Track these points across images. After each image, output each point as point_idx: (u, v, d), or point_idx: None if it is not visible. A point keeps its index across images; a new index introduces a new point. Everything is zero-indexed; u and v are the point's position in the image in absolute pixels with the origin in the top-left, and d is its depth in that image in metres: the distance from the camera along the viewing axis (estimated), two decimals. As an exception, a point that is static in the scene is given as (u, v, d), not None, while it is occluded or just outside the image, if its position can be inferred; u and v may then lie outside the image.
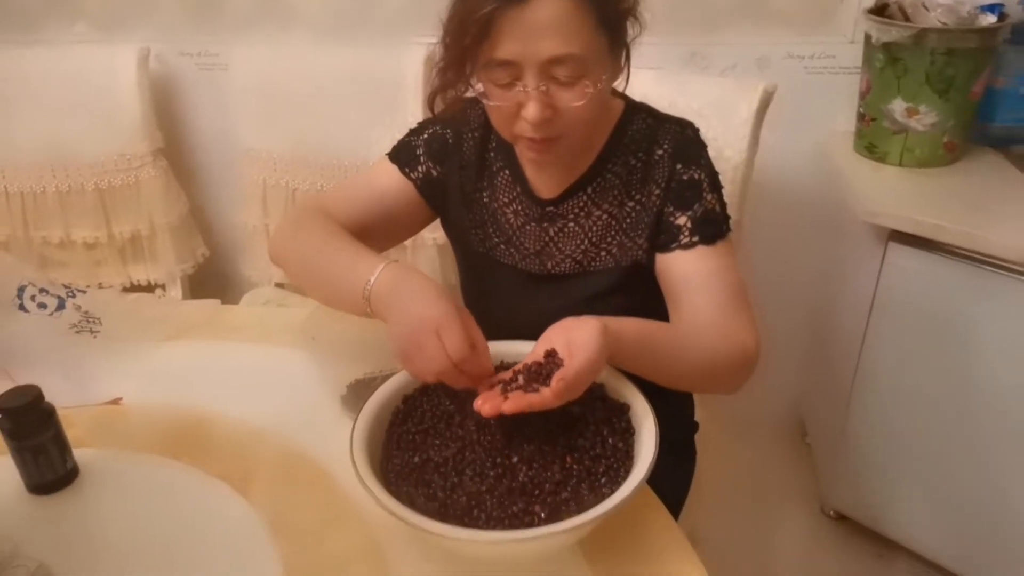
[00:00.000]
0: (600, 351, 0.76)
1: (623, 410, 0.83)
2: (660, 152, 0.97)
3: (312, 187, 1.75)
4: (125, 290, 1.88)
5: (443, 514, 0.73)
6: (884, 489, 1.62)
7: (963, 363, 1.40)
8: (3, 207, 1.82)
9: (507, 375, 0.81)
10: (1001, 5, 1.45)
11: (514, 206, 1.04)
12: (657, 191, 0.97)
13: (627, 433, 0.81)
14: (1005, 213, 1.36)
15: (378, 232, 1.05)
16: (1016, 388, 1.34)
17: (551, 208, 1.02)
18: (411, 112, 1.64)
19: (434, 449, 0.81)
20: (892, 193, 1.46)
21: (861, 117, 1.60)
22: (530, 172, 1.03)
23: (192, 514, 0.85)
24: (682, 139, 0.98)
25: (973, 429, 1.42)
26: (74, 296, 1.15)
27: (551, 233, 1.02)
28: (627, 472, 0.76)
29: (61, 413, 0.87)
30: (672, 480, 1.13)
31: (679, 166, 0.97)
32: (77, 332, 1.12)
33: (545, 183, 1.02)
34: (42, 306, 1.12)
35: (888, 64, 1.48)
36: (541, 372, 0.78)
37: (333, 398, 0.99)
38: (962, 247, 1.32)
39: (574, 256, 1.02)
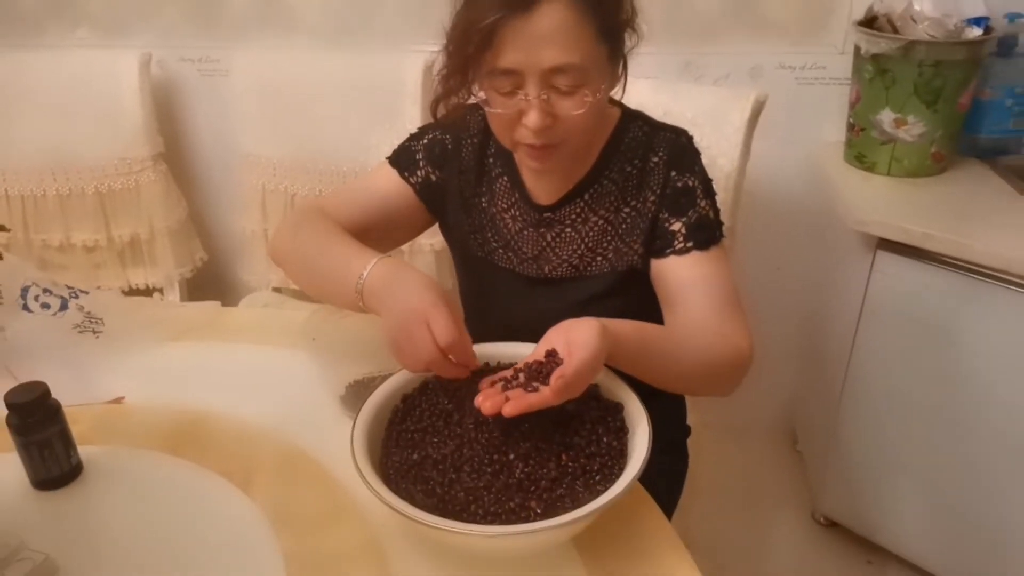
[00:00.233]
0: (599, 350, 0.78)
1: (617, 409, 0.85)
2: (655, 159, 1.00)
3: (311, 192, 1.77)
4: (124, 294, 1.89)
5: (441, 509, 0.75)
6: (874, 496, 1.63)
7: (951, 369, 1.42)
8: (3, 210, 1.84)
9: (508, 373, 0.83)
10: (987, 18, 1.48)
11: (512, 211, 1.06)
12: (652, 197, 1.00)
13: (621, 432, 0.83)
14: (991, 222, 1.39)
15: (376, 235, 1.07)
16: (1004, 394, 1.36)
17: (548, 214, 1.04)
18: (410, 119, 1.66)
19: (432, 446, 0.82)
20: (881, 202, 1.49)
21: (851, 127, 1.63)
22: (528, 179, 1.05)
23: (194, 510, 0.87)
24: (677, 147, 1.01)
25: (963, 435, 1.44)
26: (77, 297, 1.17)
27: (548, 238, 1.05)
28: (621, 470, 0.78)
29: (65, 411, 0.89)
30: (665, 481, 1.15)
31: (674, 173, 0.99)
32: (80, 332, 1.13)
33: (543, 189, 1.04)
34: (45, 306, 1.13)
35: (877, 75, 1.51)
36: (541, 371, 0.80)
37: (332, 398, 1.00)
38: (949, 255, 1.34)
39: (571, 261, 1.04)
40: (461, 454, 0.81)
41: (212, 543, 0.82)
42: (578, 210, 1.03)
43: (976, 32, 1.47)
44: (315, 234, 1.01)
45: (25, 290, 1.13)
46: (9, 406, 0.85)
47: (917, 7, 1.48)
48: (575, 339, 0.79)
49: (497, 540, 0.71)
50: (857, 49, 1.55)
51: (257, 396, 1.03)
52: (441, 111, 0.97)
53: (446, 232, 1.16)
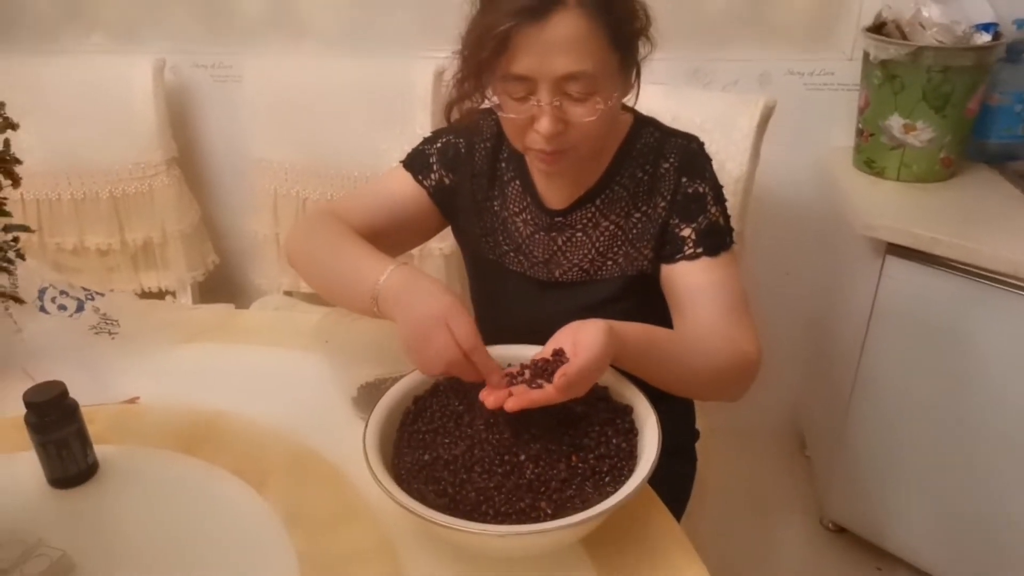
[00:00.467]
0: (604, 350, 0.79)
1: (626, 411, 0.86)
2: (666, 165, 1.01)
3: (322, 196, 1.79)
4: (137, 297, 1.91)
5: (452, 509, 0.75)
6: (883, 501, 1.63)
7: (961, 374, 1.42)
8: (19, 213, 1.86)
9: (514, 369, 0.84)
10: (996, 24, 1.49)
11: (524, 215, 1.07)
12: (663, 203, 1.00)
13: (630, 434, 0.84)
14: (999, 227, 1.39)
15: (390, 238, 1.08)
16: (1013, 398, 1.36)
17: (560, 218, 1.05)
18: (420, 124, 1.67)
19: (444, 447, 0.83)
20: (890, 207, 1.49)
21: (859, 132, 1.63)
22: (540, 183, 1.06)
23: (207, 509, 0.88)
24: (688, 153, 1.01)
25: (972, 440, 1.44)
26: (93, 299, 1.18)
27: (559, 242, 1.06)
28: (630, 471, 0.78)
29: (81, 410, 0.90)
30: (673, 484, 1.16)
31: (684, 179, 1.00)
32: (96, 333, 1.15)
33: (554, 194, 1.05)
34: (62, 308, 1.15)
35: (886, 81, 1.52)
36: (547, 369, 0.81)
37: (345, 399, 1.01)
38: (957, 260, 1.35)
39: (581, 265, 1.05)
40: (472, 455, 0.81)
41: (225, 542, 0.83)
42: (589, 215, 1.04)
43: (985, 38, 1.47)
44: (329, 238, 1.02)
45: (42, 292, 1.14)
46: (28, 405, 0.87)
47: (926, 13, 1.49)
48: (581, 339, 0.80)
49: (508, 540, 0.72)
50: (866, 55, 1.55)
51: (270, 397, 1.04)
52: (455, 115, 0.98)
53: (458, 235, 1.17)
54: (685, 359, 0.91)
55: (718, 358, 0.92)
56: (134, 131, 1.83)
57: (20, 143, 0.93)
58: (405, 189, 1.10)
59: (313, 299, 1.82)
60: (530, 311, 1.08)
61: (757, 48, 1.71)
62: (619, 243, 1.03)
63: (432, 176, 1.10)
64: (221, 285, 2.10)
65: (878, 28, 1.55)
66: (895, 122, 1.53)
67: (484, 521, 0.75)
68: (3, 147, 0.91)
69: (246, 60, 1.82)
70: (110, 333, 1.16)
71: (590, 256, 1.04)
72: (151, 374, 1.11)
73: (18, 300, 1.08)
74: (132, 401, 1.06)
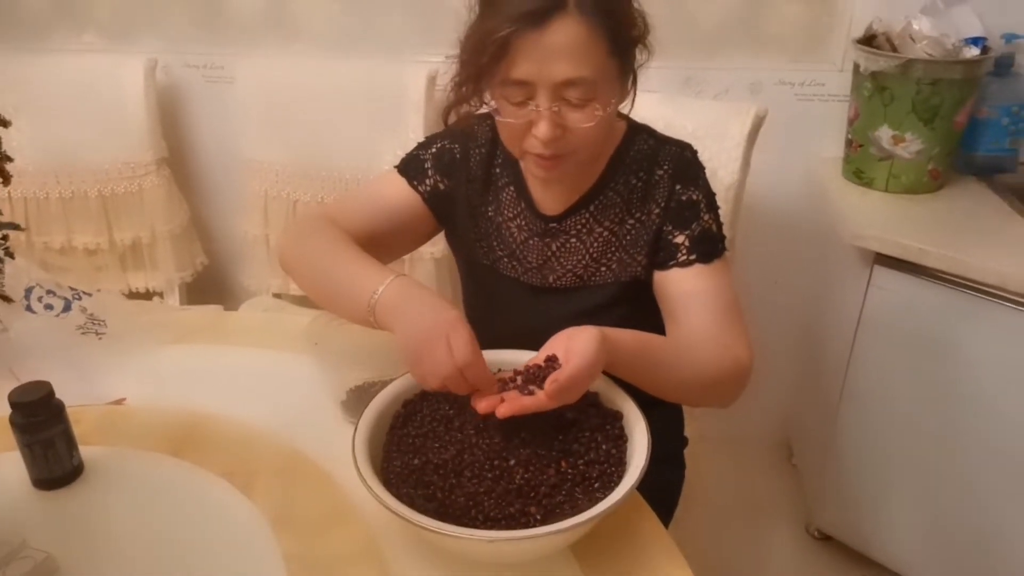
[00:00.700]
0: (596, 356, 0.79)
1: (616, 417, 0.86)
2: (660, 173, 1.01)
3: (313, 199, 1.78)
4: (124, 297, 1.90)
5: (442, 514, 0.75)
6: (869, 510, 1.64)
7: (948, 384, 1.43)
8: (7, 211, 1.84)
9: (507, 375, 0.84)
10: (984, 38, 1.50)
11: (518, 221, 1.07)
12: (657, 210, 1.01)
13: (620, 440, 0.84)
14: (987, 239, 1.41)
15: (384, 243, 1.08)
16: (1001, 409, 1.37)
17: (554, 224, 1.05)
18: (412, 128, 1.67)
19: (433, 452, 0.83)
20: (878, 218, 1.50)
21: (849, 143, 1.64)
22: (534, 188, 1.06)
23: (195, 512, 0.87)
24: (681, 160, 1.02)
25: (958, 450, 1.45)
26: (80, 298, 1.17)
27: (553, 248, 1.06)
28: (619, 477, 0.79)
29: (67, 410, 0.89)
30: (662, 490, 1.16)
31: (678, 187, 1.00)
32: (83, 333, 1.14)
33: (549, 200, 1.05)
34: (49, 307, 1.14)
35: (875, 92, 1.53)
36: (539, 375, 0.81)
37: (334, 402, 1.01)
38: (945, 271, 1.36)
39: (575, 271, 1.05)
40: (462, 459, 0.81)
41: (212, 545, 0.83)
42: (583, 221, 1.04)
43: (973, 52, 1.49)
44: (325, 245, 1.01)
45: (29, 291, 1.13)
46: (13, 405, 0.86)
47: (916, 26, 1.50)
48: (574, 346, 0.80)
49: (497, 545, 0.72)
50: (856, 66, 1.57)
51: (258, 399, 1.04)
52: (452, 119, 0.98)
53: (452, 240, 1.17)
54: (678, 365, 0.91)
55: (711, 364, 0.92)
56: (124, 130, 1.82)
57: (9, 141, 0.93)
58: (400, 194, 1.10)
59: (302, 301, 1.82)
60: (523, 317, 1.08)
61: (749, 57, 1.72)
62: (613, 249, 1.03)
63: (427, 181, 1.10)
64: (209, 286, 2.08)
65: (868, 40, 1.57)
66: (884, 133, 1.55)
67: (473, 526, 0.75)
68: (-6, 145, 0.90)
69: (238, 61, 1.81)
70: (97, 333, 1.15)
71: (584, 262, 1.04)
72: (138, 375, 1.10)
73: (5, 299, 1.07)
74: (119, 402, 1.05)
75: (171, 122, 1.97)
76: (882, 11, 1.58)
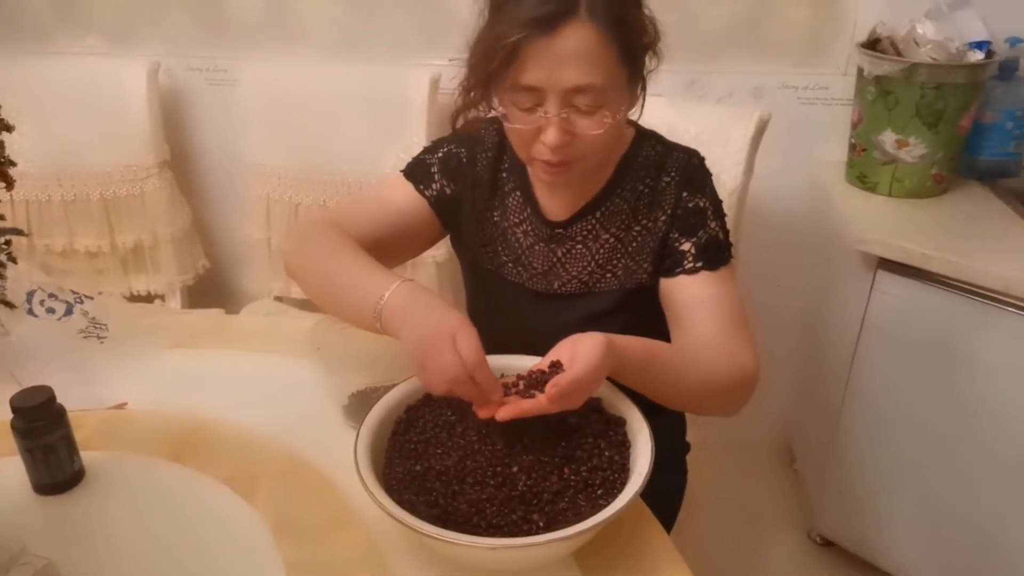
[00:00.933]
0: (600, 362, 0.79)
1: (620, 423, 0.86)
2: (667, 179, 1.01)
3: (315, 202, 1.78)
4: (125, 300, 1.90)
5: (444, 520, 0.75)
6: (871, 515, 1.63)
7: (950, 389, 1.43)
8: (8, 214, 1.84)
9: (509, 380, 0.84)
10: (989, 43, 1.50)
11: (524, 226, 1.07)
12: (663, 217, 1.00)
13: (623, 446, 0.83)
14: (990, 244, 1.40)
15: (390, 247, 1.07)
16: (1004, 414, 1.36)
17: (560, 230, 1.05)
18: (415, 131, 1.67)
19: (436, 458, 0.83)
20: (881, 222, 1.50)
21: (852, 147, 1.64)
22: (541, 194, 1.06)
23: (196, 517, 0.87)
24: (689, 167, 1.02)
25: (961, 455, 1.45)
26: (82, 302, 1.17)
27: (559, 254, 1.05)
28: (623, 484, 0.78)
29: (68, 415, 0.89)
30: (664, 496, 1.15)
31: (685, 194, 1.00)
32: (84, 337, 1.14)
33: (555, 205, 1.05)
34: (51, 311, 1.14)
35: (879, 97, 1.53)
36: (542, 380, 0.80)
37: (336, 407, 1.01)
38: (948, 275, 1.35)
39: (580, 277, 1.05)
40: (464, 466, 0.81)
41: (213, 551, 0.82)
42: (589, 227, 1.03)
43: (978, 56, 1.48)
44: (330, 249, 1.00)
45: (31, 295, 1.13)
46: (15, 410, 0.86)
47: (920, 30, 1.50)
48: (578, 351, 0.80)
49: (499, 552, 0.72)
50: (860, 70, 1.56)
51: (260, 404, 1.03)
52: (459, 123, 0.98)
53: (457, 245, 1.16)
54: (684, 373, 0.91)
55: (717, 372, 0.92)
56: (127, 133, 1.82)
57: (11, 144, 0.92)
58: (406, 199, 1.09)
59: (304, 304, 1.81)
60: (528, 322, 1.08)
61: (752, 62, 1.71)
62: (619, 256, 1.03)
63: (433, 186, 1.09)
64: (211, 289, 2.08)
65: (872, 44, 1.56)
66: (888, 137, 1.54)
67: (476, 533, 0.74)
68: (-3, 149, 0.90)
69: (241, 64, 1.82)
70: (99, 337, 1.15)
71: (589, 268, 1.04)
72: (140, 379, 1.10)
73: (7, 304, 1.06)
74: (120, 407, 1.05)
75: (173, 125, 1.97)
76: (886, 15, 1.57)
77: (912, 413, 1.49)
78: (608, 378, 0.83)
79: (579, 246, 1.04)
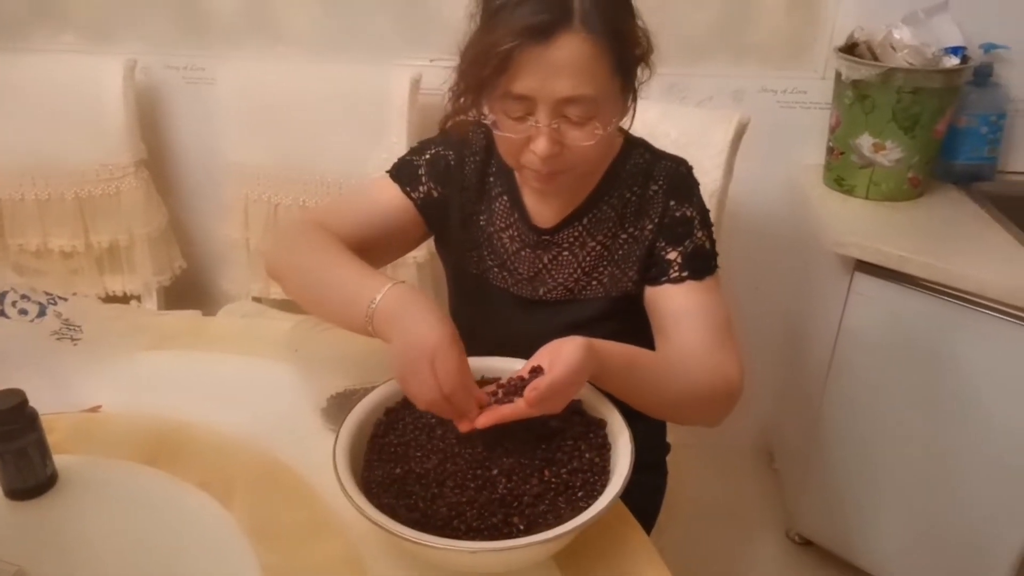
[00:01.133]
0: (580, 365, 0.78)
1: (600, 426, 0.86)
2: (655, 188, 1.00)
3: (295, 203, 1.77)
4: (101, 301, 1.87)
5: (424, 524, 0.74)
6: (850, 515, 1.65)
7: (928, 390, 1.45)
8: (-20, 214, 1.82)
9: (490, 388, 0.83)
10: (964, 48, 1.52)
11: (510, 232, 1.06)
12: (650, 226, 1.00)
13: (603, 448, 0.83)
14: (966, 247, 1.42)
15: (374, 248, 1.05)
16: (980, 414, 1.38)
17: (547, 236, 1.04)
18: (396, 131, 1.66)
19: (415, 461, 0.83)
20: (859, 225, 1.51)
21: (830, 151, 1.66)
22: (529, 200, 1.05)
23: (171, 522, 0.86)
24: (676, 176, 1.01)
25: (939, 455, 1.46)
26: (55, 303, 1.15)
27: (545, 260, 1.05)
28: (603, 486, 0.78)
29: (41, 419, 0.87)
30: (644, 497, 1.15)
31: (673, 202, 1.00)
32: (58, 339, 1.12)
33: (543, 212, 1.04)
34: (23, 312, 1.12)
35: (857, 101, 1.54)
36: (522, 387, 0.80)
37: (314, 410, 1.00)
38: (924, 278, 1.37)
39: (566, 284, 1.04)
40: (444, 469, 0.81)
41: (189, 556, 0.81)
42: (576, 234, 1.03)
43: (953, 61, 1.51)
44: (318, 252, 0.98)
45: (3, 296, 1.11)
46: (-15, 413, 0.84)
47: (896, 35, 1.52)
48: (558, 355, 0.79)
49: (479, 556, 0.71)
50: (838, 75, 1.58)
51: (237, 407, 1.02)
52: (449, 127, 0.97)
53: (441, 248, 1.15)
54: (667, 381, 0.90)
55: (700, 382, 0.91)
56: (102, 132, 1.79)
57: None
58: (392, 200, 1.08)
59: (282, 305, 1.80)
60: (512, 328, 1.07)
61: (732, 65, 1.73)
62: (604, 263, 1.02)
63: (420, 188, 1.08)
64: (188, 290, 2.06)
65: (850, 48, 1.58)
66: (865, 141, 1.56)
67: (456, 537, 0.74)
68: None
69: (220, 63, 1.79)
70: (72, 339, 1.13)
71: (575, 275, 1.03)
72: (114, 382, 1.08)
73: (-22, 306, 1.05)
74: (94, 410, 1.03)
75: (150, 124, 1.94)
76: (864, 20, 1.59)
77: (890, 413, 1.51)
78: (592, 384, 0.83)
79: (565, 253, 1.04)
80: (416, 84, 1.65)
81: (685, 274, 0.98)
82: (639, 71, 0.93)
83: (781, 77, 1.72)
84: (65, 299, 1.18)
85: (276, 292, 1.80)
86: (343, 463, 0.78)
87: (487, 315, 1.10)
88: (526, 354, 0.85)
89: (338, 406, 0.97)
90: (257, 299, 1.86)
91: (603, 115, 0.88)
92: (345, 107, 1.70)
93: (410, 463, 0.82)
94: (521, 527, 0.75)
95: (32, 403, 0.87)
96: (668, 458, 1.26)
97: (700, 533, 1.81)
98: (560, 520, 0.73)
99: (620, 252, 1.02)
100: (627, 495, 0.78)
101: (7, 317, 1.11)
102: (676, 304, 0.97)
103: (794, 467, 1.81)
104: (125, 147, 1.80)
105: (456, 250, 1.11)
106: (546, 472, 0.80)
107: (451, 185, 1.08)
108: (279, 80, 1.76)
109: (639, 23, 0.91)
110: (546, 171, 0.91)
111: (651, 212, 1.00)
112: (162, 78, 1.93)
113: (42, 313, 1.13)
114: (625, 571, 0.81)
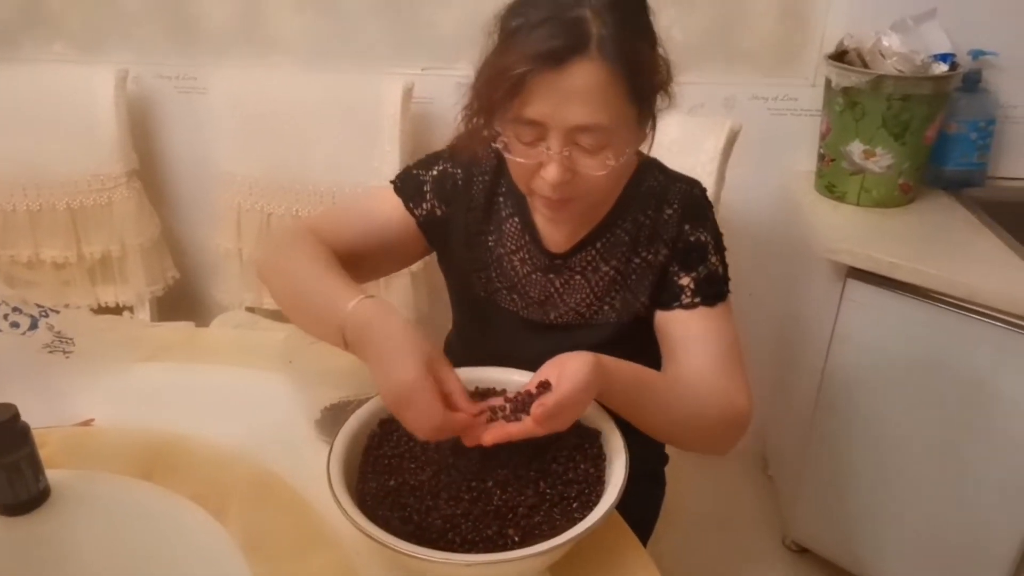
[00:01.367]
0: (587, 382, 0.77)
1: (595, 436, 0.85)
2: (669, 211, 0.98)
3: (287, 212, 1.76)
4: (93, 312, 1.86)
5: (418, 537, 0.74)
6: (845, 522, 1.65)
7: (921, 395, 1.45)
8: (-29, 225, 1.81)
9: (497, 402, 0.82)
10: (953, 55, 1.53)
11: (521, 254, 1.04)
12: (664, 250, 0.98)
13: (599, 459, 0.83)
14: (956, 253, 1.43)
15: (370, 261, 1.04)
16: (972, 419, 1.39)
17: (559, 260, 1.01)
18: (388, 140, 1.66)
19: (410, 473, 0.82)
20: (850, 231, 1.52)
21: (821, 157, 1.66)
22: (541, 223, 1.01)
23: (165, 536, 0.85)
24: (691, 199, 1.00)
25: (932, 461, 1.47)
26: (47, 316, 1.15)
27: (557, 284, 1.02)
28: (598, 497, 0.78)
29: (33, 433, 0.87)
30: (641, 507, 1.15)
31: (687, 227, 0.98)
32: (50, 352, 1.12)
33: (555, 235, 1.00)
34: (15, 325, 1.11)
35: (847, 108, 1.55)
36: (529, 402, 0.79)
37: (308, 422, 1.00)
38: (915, 284, 1.37)
39: (578, 309, 1.02)
40: (439, 481, 0.81)
41: (183, 571, 0.81)
42: (589, 258, 1.01)
43: (942, 68, 1.52)
44: (303, 258, 0.96)
45: (-7, 308, 1.11)
46: (-24, 428, 0.84)
47: (886, 43, 1.53)
48: (565, 371, 0.78)
49: (475, 569, 0.71)
50: (828, 82, 1.59)
51: (231, 419, 1.02)
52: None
53: (445, 267, 1.12)
54: (675, 405, 0.89)
55: (708, 405, 0.90)
56: (94, 142, 1.78)
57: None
58: (393, 214, 1.05)
59: (276, 315, 1.79)
60: (520, 350, 1.01)
61: (723, 72, 1.73)
62: (617, 288, 1.00)
63: (424, 205, 1.05)
64: (181, 300, 2.05)
65: (840, 56, 1.59)
66: (855, 148, 1.57)
67: (451, 549, 0.74)
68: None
69: (211, 72, 1.80)
70: (64, 352, 1.12)
71: (587, 300, 1.01)
72: (107, 395, 1.08)
73: (-31, 319, 1.04)
74: (86, 423, 1.02)
75: (142, 133, 1.94)
76: (853, 27, 1.60)
77: (883, 419, 1.51)
78: (598, 402, 0.82)
79: (578, 277, 1.01)
80: (408, 93, 1.65)
81: (697, 300, 0.96)
82: (659, 98, 0.91)
83: (772, 84, 1.73)
84: (57, 311, 1.17)
85: (269, 302, 1.79)
86: (337, 475, 0.78)
87: (494, 337, 1.08)
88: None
89: (332, 418, 0.97)
90: (250, 309, 1.86)
91: (616, 144, 0.86)
92: (338, 116, 1.70)
93: (404, 475, 0.82)
94: (516, 539, 0.75)
95: (24, 417, 0.86)
96: (667, 468, 1.25)
97: (695, 541, 1.81)
98: (555, 532, 0.73)
99: (633, 277, 1.00)
100: (625, 505, 0.77)
101: (-1, 330, 1.11)
102: (686, 329, 0.96)
103: (788, 474, 1.81)
104: (117, 157, 1.80)
105: (460, 270, 1.08)
106: (541, 483, 0.80)
107: (457, 204, 1.05)
108: (271, 89, 1.76)
109: (660, 50, 0.90)
110: (556, 198, 0.89)
111: (665, 236, 0.98)
112: (154, 87, 1.92)
113: (34, 326, 1.13)
114: (621, 581, 0.80)
